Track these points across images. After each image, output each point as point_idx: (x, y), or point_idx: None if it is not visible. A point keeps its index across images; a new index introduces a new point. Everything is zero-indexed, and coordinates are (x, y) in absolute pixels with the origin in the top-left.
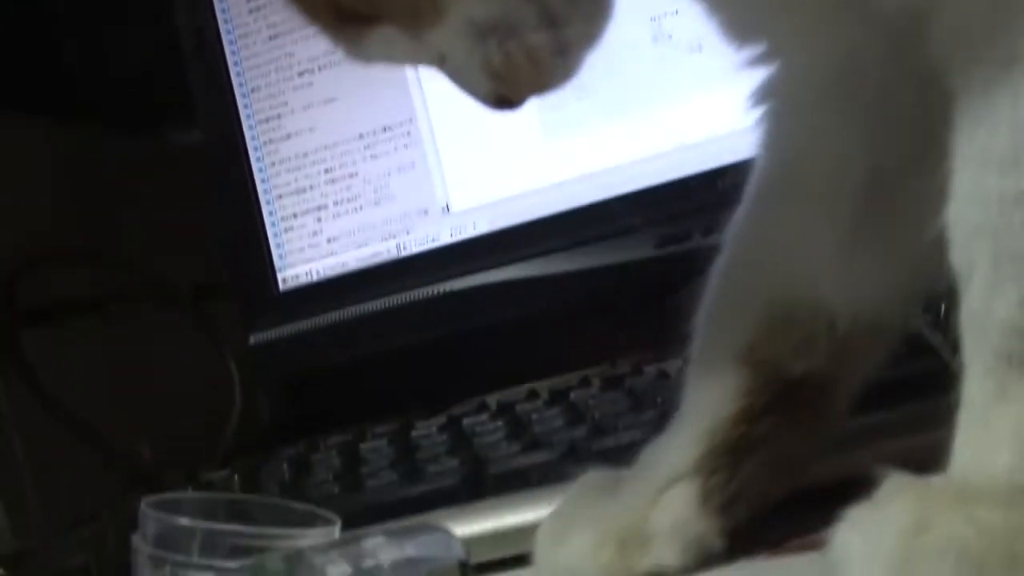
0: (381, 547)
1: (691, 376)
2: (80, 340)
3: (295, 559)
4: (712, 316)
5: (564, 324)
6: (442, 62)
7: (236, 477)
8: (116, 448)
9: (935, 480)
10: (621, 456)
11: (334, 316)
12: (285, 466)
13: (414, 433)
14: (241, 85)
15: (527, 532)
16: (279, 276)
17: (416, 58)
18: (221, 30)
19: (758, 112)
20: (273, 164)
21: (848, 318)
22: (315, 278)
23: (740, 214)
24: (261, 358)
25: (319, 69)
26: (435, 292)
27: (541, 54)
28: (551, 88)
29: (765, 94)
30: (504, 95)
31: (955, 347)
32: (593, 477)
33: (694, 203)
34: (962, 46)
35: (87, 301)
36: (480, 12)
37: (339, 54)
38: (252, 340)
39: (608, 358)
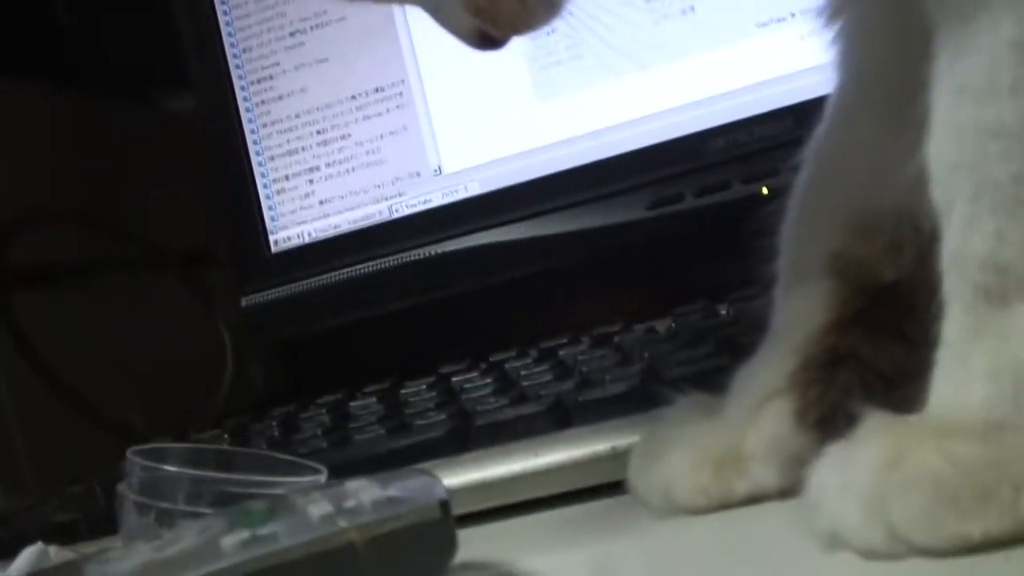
0: (363, 488)
1: (779, 293)
2: (72, 304)
3: (278, 501)
4: (797, 229)
5: (556, 285)
6: (424, 5)
7: (226, 436)
8: (107, 412)
9: (913, 418)
10: (608, 407)
11: (326, 278)
12: (275, 424)
13: (403, 391)
14: (233, 46)
15: (512, 483)
16: (271, 238)
17: None
18: None
19: (831, 30)
20: (265, 126)
21: (932, 222)
22: (307, 240)
23: (819, 131)
24: (253, 321)
25: (311, 29)
26: (427, 254)
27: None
28: (536, 26)
29: (835, 12)
30: (487, 32)
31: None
32: (688, 401)
33: (686, 165)
34: None
35: (79, 265)
36: None
37: (331, 14)
38: (244, 303)
39: (600, 319)
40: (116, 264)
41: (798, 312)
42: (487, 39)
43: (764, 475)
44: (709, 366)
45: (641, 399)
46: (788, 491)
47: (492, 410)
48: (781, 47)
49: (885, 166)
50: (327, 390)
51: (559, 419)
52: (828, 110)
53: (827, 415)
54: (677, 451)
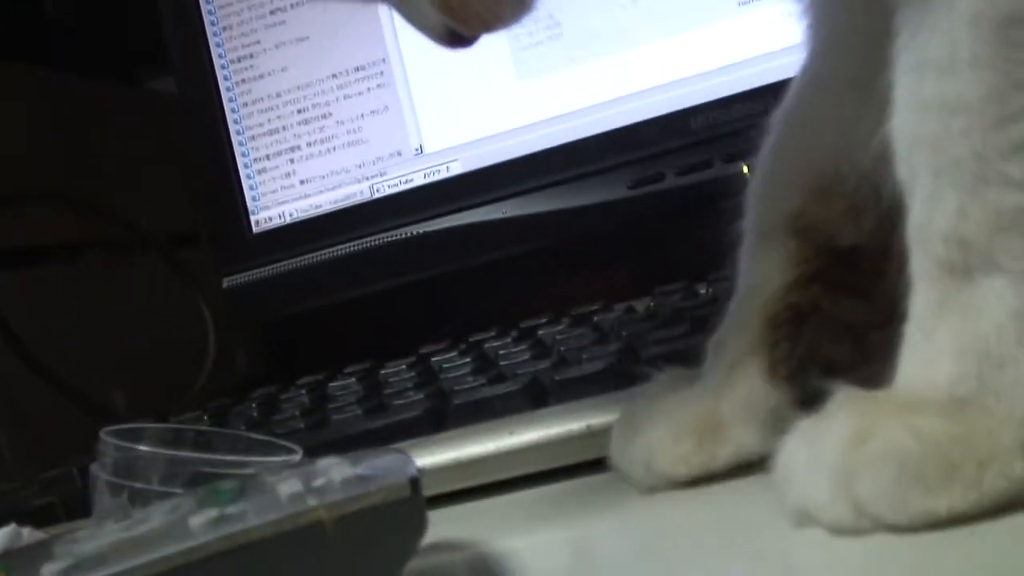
0: (333, 467)
1: (743, 254)
2: (54, 285)
3: (248, 480)
4: (760, 191)
5: (538, 265)
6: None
7: (205, 417)
8: (89, 394)
9: (880, 393)
10: (584, 385)
11: (308, 259)
12: (255, 406)
13: (383, 372)
14: (213, 24)
15: (487, 462)
16: (252, 218)
17: None
18: None
19: (802, 3)
20: (246, 104)
21: (892, 191)
22: (288, 220)
23: (787, 99)
24: (235, 302)
25: (291, 7)
26: (409, 234)
27: None
28: (507, 22)
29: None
30: (456, 30)
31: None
32: (666, 376)
33: (667, 143)
34: None
35: (61, 246)
36: None
37: None
38: (225, 284)
39: (581, 298)
40: (98, 245)
41: (760, 272)
42: (456, 37)
43: (743, 437)
44: (686, 345)
45: (617, 377)
46: (770, 453)
47: (469, 389)
48: (762, 26)
49: (848, 134)
50: (310, 370)
51: (535, 398)
52: (796, 79)
53: (797, 370)
54: (656, 423)
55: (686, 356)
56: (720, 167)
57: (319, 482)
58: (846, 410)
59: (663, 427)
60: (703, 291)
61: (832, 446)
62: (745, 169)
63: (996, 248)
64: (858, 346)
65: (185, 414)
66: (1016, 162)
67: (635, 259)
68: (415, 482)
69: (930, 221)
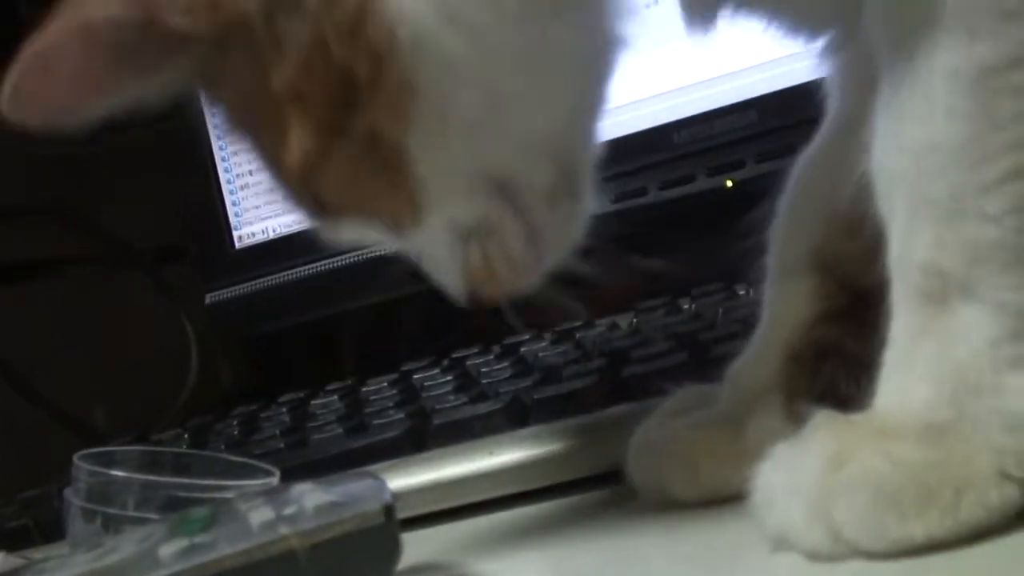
0: (306, 493)
1: (767, 288)
2: (36, 300)
3: (220, 507)
4: (784, 227)
5: None
6: (419, 255)
7: (186, 436)
8: (71, 411)
9: (858, 416)
10: (565, 404)
11: (291, 274)
12: (236, 424)
13: (365, 389)
14: None
15: (466, 483)
16: (235, 234)
17: (393, 245)
18: None
19: (828, 61)
20: None
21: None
22: (271, 235)
23: (813, 140)
24: (217, 317)
25: None
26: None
27: (519, 259)
28: (524, 288)
29: (827, 52)
30: (477, 294)
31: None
32: (685, 393)
33: (650, 157)
34: (884, 8)
35: (43, 261)
36: (462, 215)
37: None
38: (208, 299)
39: (566, 314)
40: (82, 260)
41: (784, 307)
42: (475, 298)
43: (755, 466)
44: (667, 363)
45: (598, 396)
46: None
47: (449, 408)
48: (744, 40)
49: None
50: (294, 386)
51: (516, 417)
52: (823, 122)
53: (814, 407)
54: (672, 442)
55: (667, 374)
56: (703, 181)
57: (291, 509)
58: (823, 433)
59: (678, 448)
60: (686, 307)
61: (809, 471)
62: (729, 183)
63: (973, 278)
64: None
65: (166, 431)
66: (991, 199)
67: (618, 273)
68: (389, 509)
69: (908, 252)
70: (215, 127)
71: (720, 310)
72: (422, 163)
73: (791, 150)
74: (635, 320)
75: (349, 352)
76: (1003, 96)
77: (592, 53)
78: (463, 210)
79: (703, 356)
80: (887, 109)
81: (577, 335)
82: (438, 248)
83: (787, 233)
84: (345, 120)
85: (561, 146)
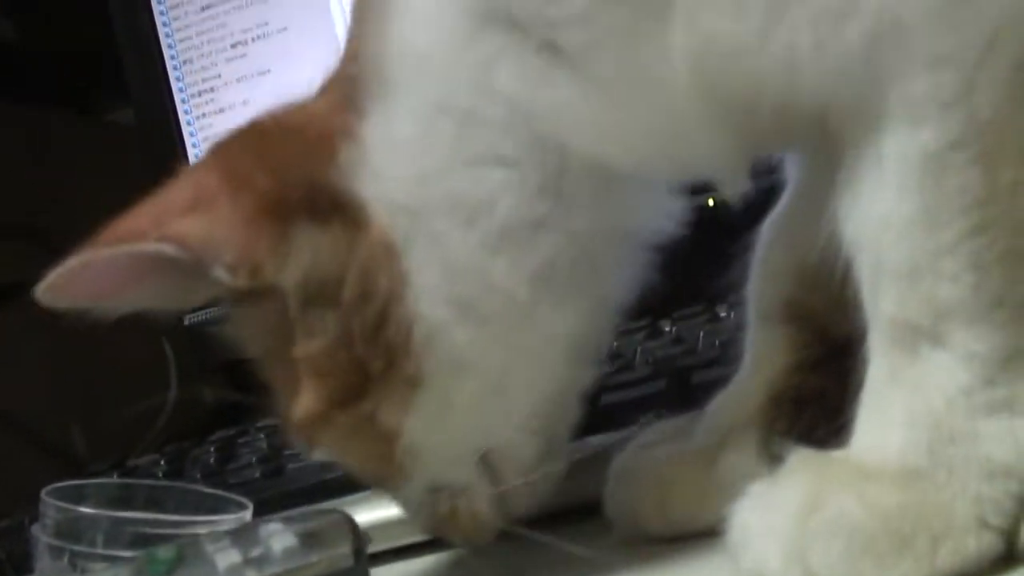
0: (275, 535)
1: (747, 337)
2: (10, 323)
3: (187, 547)
4: (757, 281)
5: None
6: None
7: (162, 463)
8: (49, 435)
9: (836, 455)
10: None
11: None
12: (212, 451)
13: None
14: (173, 58)
15: None
16: None
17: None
18: (152, 1)
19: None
20: (207, 139)
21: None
22: None
23: (777, 208)
24: (196, 339)
25: (252, 40)
26: None
27: (484, 518)
28: (486, 540)
29: None
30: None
31: None
32: (660, 426)
33: None
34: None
35: (16, 283)
36: (442, 479)
37: (272, 24)
38: (187, 321)
39: None
40: None
41: (762, 354)
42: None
43: (728, 504)
44: (647, 391)
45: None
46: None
47: None
48: None
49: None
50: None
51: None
52: (786, 191)
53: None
54: (645, 476)
55: (646, 404)
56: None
57: (258, 551)
58: (800, 474)
59: (651, 482)
60: (667, 328)
61: (785, 512)
62: (710, 202)
63: (941, 331)
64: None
65: (144, 456)
66: (947, 260)
67: None
68: (359, 551)
69: (876, 306)
70: (193, 147)
71: (701, 333)
72: (416, 441)
73: (773, 170)
74: (614, 343)
75: None
76: (947, 173)
77: (592, 332)
78: (444, 476)
79: (683, 383)
80: (847, 187)
81: None
82: (412, 497)
83: (761, 287)
84: (352, 400)
85: (550, 422)
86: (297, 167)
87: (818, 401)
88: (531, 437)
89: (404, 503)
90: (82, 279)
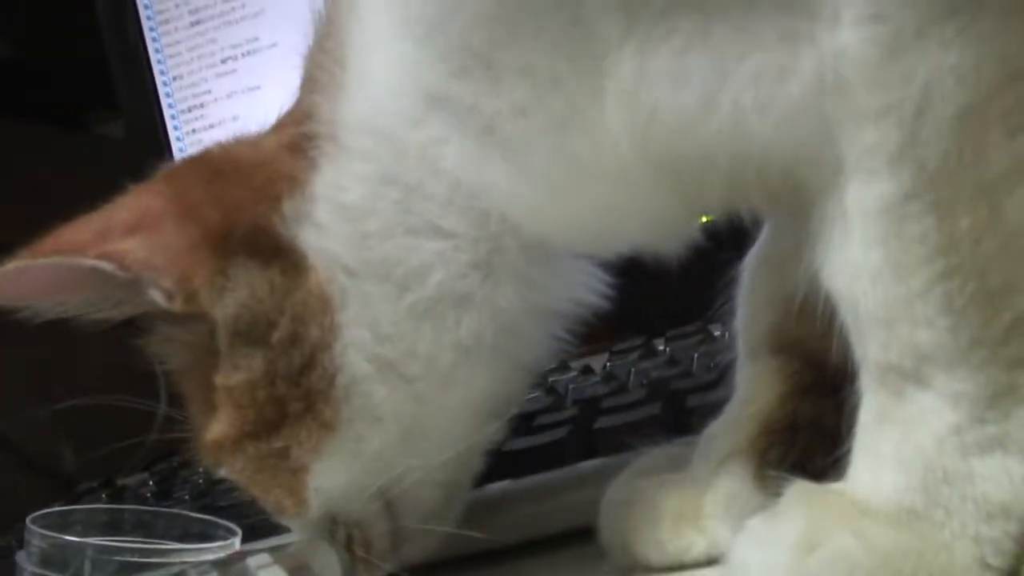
0: (263, 567)
1: (740, 362)
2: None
3: None
4: (743, 315)
5: None
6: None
7: (151, 482)
8: (36, 453)
9: (833, 489)
10: (537, 458)
11: None
12: (200, 471)
13: None
14: (163, 73)
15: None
16: None
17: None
18: (141, 15)
19: None
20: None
21: None
22: None
23: (758, 244)
24: None
25: (242, 56)
26: None
27: (377, 552)
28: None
29: None
30: None
31: None
32: (655, 453)
33: None
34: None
35: None
36: (343, 514)
37: (263, 40)
38: None
39: None
40: None
41: (753, 384)
42: None
43: (721, 534)
44: (641, 415)
45: (571, 449)
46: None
47: None
48: None
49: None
50: None
51: (486, 469)
52: (764, 228)
53: (784, 477)
54: (638, 504)
55: (640, 429)
56: None
57: None
58: (797, 510)
59: (644, 509)
60: (661, 348)
61: (782, 551)
62: (705, 218)
63: (924, 373)
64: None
65: (133, 476)
66: (920, 306)
67: (594, 312)
68: None
69: (863, 350)
70: (180, 152)
71: (695, 355)
72: (321, 481)
73: None
74: (608, 364)
75: None
76: (906, 222)
77: (506, 394)
78: (344, 511)
79: (678, 407)
80: (819, 238)
81: (550, 379)
82: (309, 525)
83: (748, 319)
84: (265, 434)
85: (455, 475)
86: (244, 205)
87: (812, 428)
88: (434, 488)
89: (300, 529)
90: (18, 283)
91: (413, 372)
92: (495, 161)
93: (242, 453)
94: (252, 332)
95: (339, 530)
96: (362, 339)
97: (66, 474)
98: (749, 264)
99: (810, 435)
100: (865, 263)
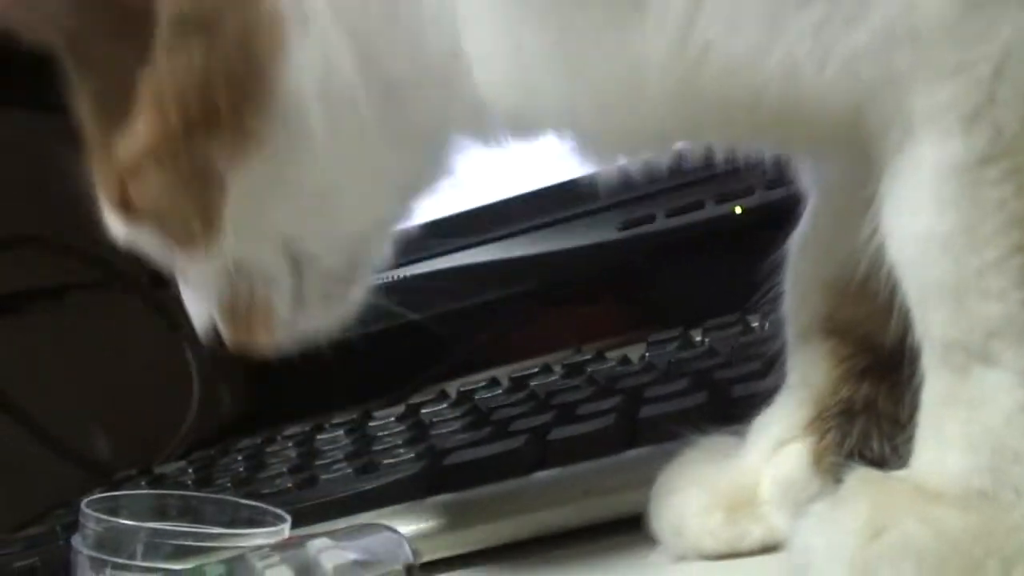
0: (325, 551)
1: (790, 348)
2: (33, 331)
3: (235, 563)
4: (791, 296)
5: (527, 308)
6: (183, 276)
7: (190, 471)
8: (72, 442)
9: (897, 476)
10: (582, 446)
11: None
12: (240, 459)
13: (372, 424)
14: None
15: (484, 528)
16: None
17: (169, 261)
18: None
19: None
20: None
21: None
22: None
23: (803, 219)
24: (219, 345)
25: None
26: (396, 277)
27: (277, 317)
28: (263, 346)
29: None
30: (216, 329)
31: None
32: (707, 441)
33: (657, 185)
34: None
35: (39, 290)
36: (246, 261)
37: None
38: None
39: (572, 341)
40: (79, 287)
41: (806, 369)
42: (214, 335)
43: (778, 520)
44: (686, 404)
45: (617, 437)
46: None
47: (463, 447)
48: None
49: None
50: (296, 412)
51: (532, 458)
52: (808, 205)
53: (843, 462)
54: (691, 491)
55: (686, 417)
56: (712, 208)
57: (309, 569)
58: (860, 495)
59: (697, 496)
60: (698, 339)
61: (848, 536)
62: (738, 210)
63: (992, 349)
64: (911, 444)
65: (168, 463)
66: (993, 278)
67: (626, 301)
68: (411, 568)
69: (926, 327)
70: None
71: (734, 345)
72: (235, 206)
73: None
74: (647, 354)
75: (352, 376)
76: (983, 187)
77: (424, 178)
78: (249, 258)
79: (723, 396)
80: (888, 201)
81: (588, 369)
82: (210, 274)
83: (795, 306)
84: (190, 136)
85: (361, 245)
86: None
87: (868, 413)
88: (339, 251)
89: (205, 278)
90: None
91: (349, 120)
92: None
93: (158, 167)
94: (199, 23)
95: (243, 289)
96: (309, 66)
97: (102, 462)
98: (794, 246)
99: (867, 420)
100: (936, 228)
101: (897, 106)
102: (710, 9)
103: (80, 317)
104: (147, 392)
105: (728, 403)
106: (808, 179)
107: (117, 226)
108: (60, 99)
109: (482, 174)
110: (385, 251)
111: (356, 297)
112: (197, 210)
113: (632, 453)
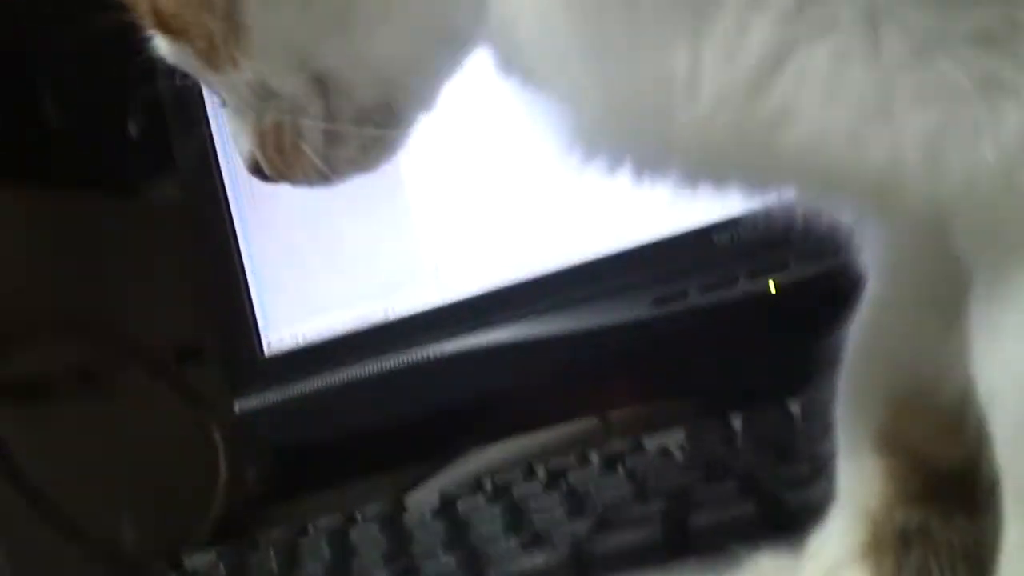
0: None
1: (840, 458)
2: (56, 416)
3: None
4: (846, 404)
5: (559, 387)
6: (223, 103)
7: (222, 566)
8: (95, 530)
9: None
10: (627, 557)
11: (321, 381)
12: (272, 553)
13: (406, 517)
14: (224, 141)
15: None
16: (264, 340)
17: (207, 84)
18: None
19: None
20: (256, 224)
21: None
22: (301, 342)
23: (860, 313)
24: (247, 426)
25: None
26: (425, 356)
27: (306, 146)
28: (303, 182)
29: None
30: (259, 164)
31: None
32: (761, 562)
33: (690, 260)
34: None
35: (64, 373)
36: (274, 82)
37: None
38: (238, 407)
39: (605, 421)
40: (104, 367)
41: (859, 486)
42: (258, 169)
43: None
44: (736, 514)
45: (664, 548)
46: None
47: (506, 556)
48: None
49: (930, 349)
50: (325, 494)
51: (577, 570)
52: (864, 299)
53: None
54: None
55: (737, 528)
56: (745, 283)
57: None
58: None
59: None
60: (737, 427)
61: None
62: (771, 284)
63: None
64: (976, 570)
65: (200, 557)
66: None
67: (660, 379)
68: None
69: (1014, 468)
70: (242, 229)
71: (775, 441)
72: (253, 14)
73: (836, 251)
74: (686, 445)
75: (382, 457)
76: None
77: (450, 34)
78: (276, 78)
79: (772, 505)
80: (984, 321)
81: (627, 462)
82: (241, 100)
83: (851, 413)
84: None
85: (395, 81)
86: None
87: (924, 539)
88: (373, 83)
89: (231, 115)
90: None
91: None
92: None
93: None
94: None
95: (270, 113)
96: None
97: (128, 556)
98: (852, 343)
99: (923, 548)
100: None
101: (1017, 224)
102: (801, 73)
103: (103, 398)
104: (174, 473)
105: (779, 513)
106: (869, 255)
107: (163, 45)
108: (89, 181)
109: (520, 250)
110: (428, 101)
111: (394, 143)
112: (220, 17)
113: (682, 567)
